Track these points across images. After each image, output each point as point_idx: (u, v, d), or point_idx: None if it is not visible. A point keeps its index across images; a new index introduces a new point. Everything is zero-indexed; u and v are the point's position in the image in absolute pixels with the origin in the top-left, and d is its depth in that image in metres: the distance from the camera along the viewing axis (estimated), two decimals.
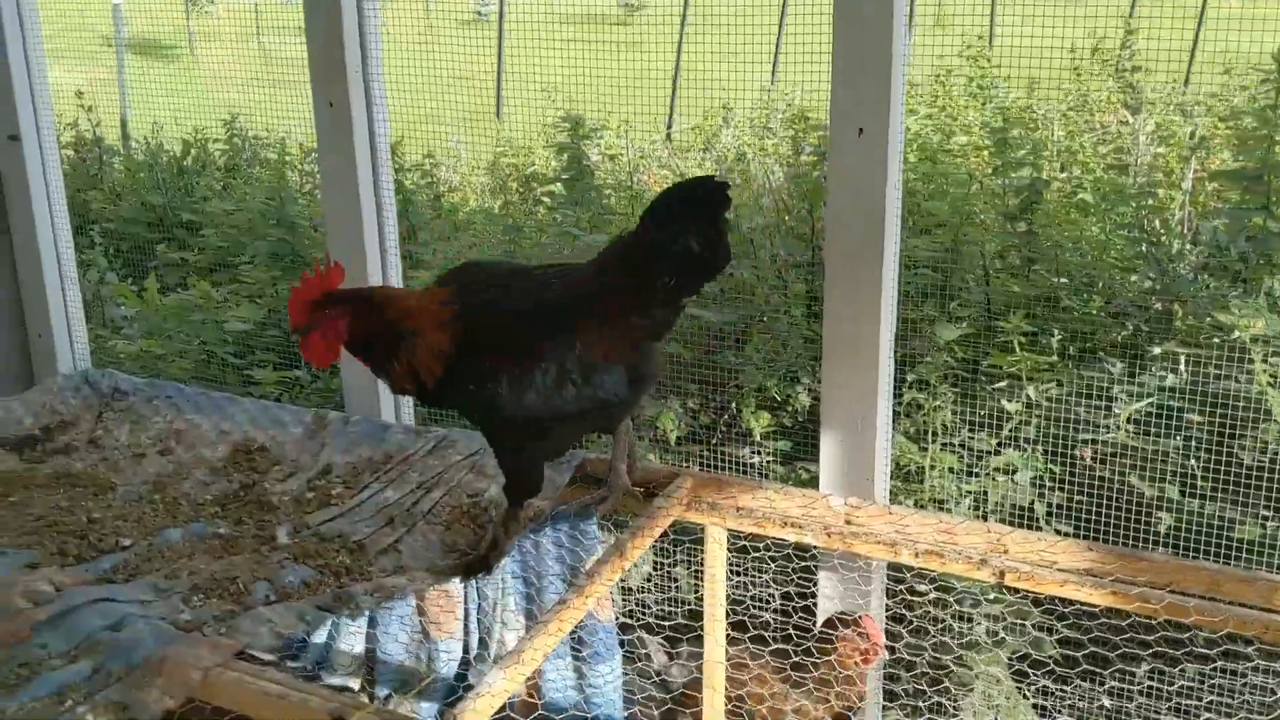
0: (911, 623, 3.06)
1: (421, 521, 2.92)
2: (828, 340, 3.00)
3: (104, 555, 2.78)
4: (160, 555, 2.77)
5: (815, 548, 2.83)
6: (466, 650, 3.39)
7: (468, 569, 2.73)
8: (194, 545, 2.83)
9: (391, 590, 2.64)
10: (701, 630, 3.06)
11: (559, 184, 7.94)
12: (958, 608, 3.27)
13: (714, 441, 4.15)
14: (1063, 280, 4.21)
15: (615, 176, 8.31)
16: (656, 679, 3.28)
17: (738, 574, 3.31)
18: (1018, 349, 3.49)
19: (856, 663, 3.02)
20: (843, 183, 2.88)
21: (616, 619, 3.25)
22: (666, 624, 3.39)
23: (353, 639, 3.07)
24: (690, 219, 2.42)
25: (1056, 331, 3.64)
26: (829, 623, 3.09)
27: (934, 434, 3.48)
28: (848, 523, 2.72)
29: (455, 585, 2.79)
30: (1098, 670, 3.08)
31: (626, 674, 3.35)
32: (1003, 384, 3.55)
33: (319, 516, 2.98)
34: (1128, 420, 3.41)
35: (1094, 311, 3.99)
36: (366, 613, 2.60)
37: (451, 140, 9.63)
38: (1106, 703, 3.21)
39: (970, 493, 3.43)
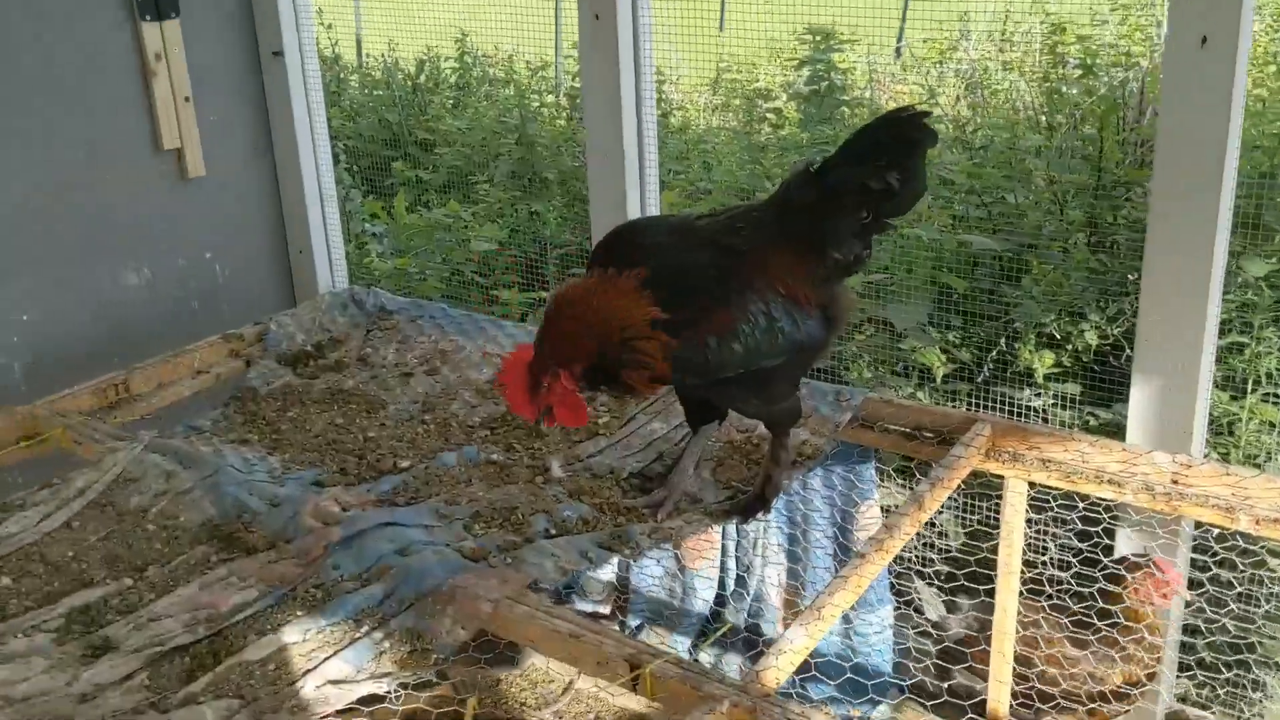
0: (1213, 592, 2.77)
1: None
2: (1148, 273, 2.70)
3: (384, 476, 2.78)
4: (438, 479, 2.75)
5: (1125, 506, 2.56)
6: (722, 586, 3.30)
7: (746, 509, 2.60)
8: (469, 471, 2.80)
9: (669, 532, 2.54)
10: (981, 585, 2.85)
11: (790, 99, 7.64)
12: (1270, 576, 2.95)
13: (981, 380, 3.88)
14: None
15: (849, 93, 7.94)
16: (931, 632, 3.10)
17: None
18: None
19: (1151, 604, 2.78)
20: (1180, 98, 2.56)
21: (890, 567, 3.08)
22: (942, 574, 3.20)
23: (605, 565, 3.01)
24: (882, 152, 2.28)
25: None
26: (1120, 561, 2.85)
27: (1254, 383, 3.12)
28: (1174, 482, 2.44)
29: (733, 527, 2.66)
30: None
31: (898, 625, 3.19)
32: None
33: (588, 448, 2.90)
34: None
35: None
36: (645, 554, 2.51)
37: (674, 55, 9.41)
38: None
39: None
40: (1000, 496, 2.71)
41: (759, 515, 2.61)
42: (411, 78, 8.72)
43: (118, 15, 3.96)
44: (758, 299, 2.34)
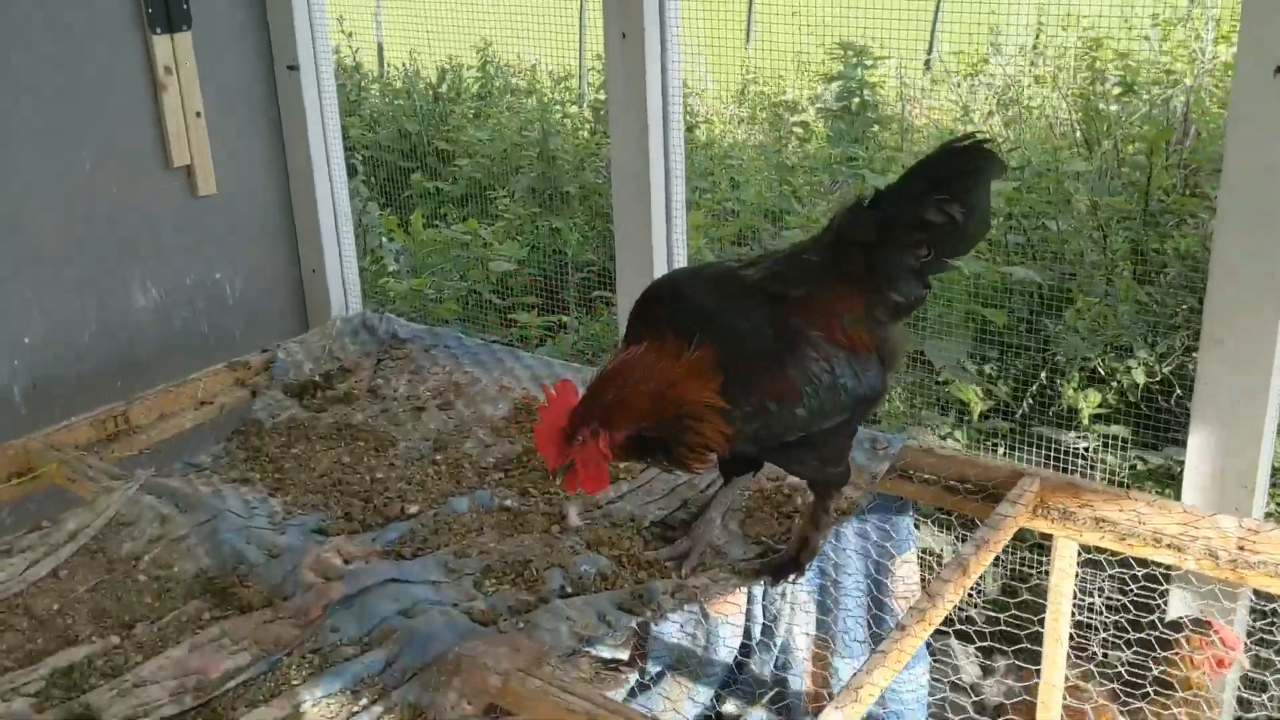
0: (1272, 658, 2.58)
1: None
2: (1210, 313, 2.52)
3: (390, 523, 2.62)
4: (448, 527, 2.59)
5: (1188, 572, 2.38)
6: (748, 635, 3.12)
7: (778, 570, 2.43)
8: (481, 518, 2.64)
9: (694, 591, 2.37)
10: (1015, 645, 2.67)
11: (819, 114, 7.46)
12: None
13: (1019, 416, 3.70)
14: None
15: (879, 109, 7.77)
16: (969, 693, 2.91)
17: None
18: None
19: (1205, 672, 2.59)
20: (1250, 129, 2.39)
21: None
22: (984, 633, 3.01)
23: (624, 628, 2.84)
24: (943, 184, 2.14)
25: None
26: (1173, 625, 2.66)
27: None
28: (1240, 549, 2.26)
29: (744, 601, 2.49)
30: None
31: (934, 683, 3.01)
32: None
33: (608, 493, 2.73)
34: None
35: None
36: (668, 616, 2.34)
37: (699, 66, 9.25)
38: None
39: None
40: (1041, 549, 2.53)
41: (791, 578, 2.44)
42: (433, 86, 8.59)
43: (127, 26, 3.83)
44: (818, 356, 2.17)
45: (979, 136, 2.16)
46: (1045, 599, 2.55)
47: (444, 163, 7.52)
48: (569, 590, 2.35)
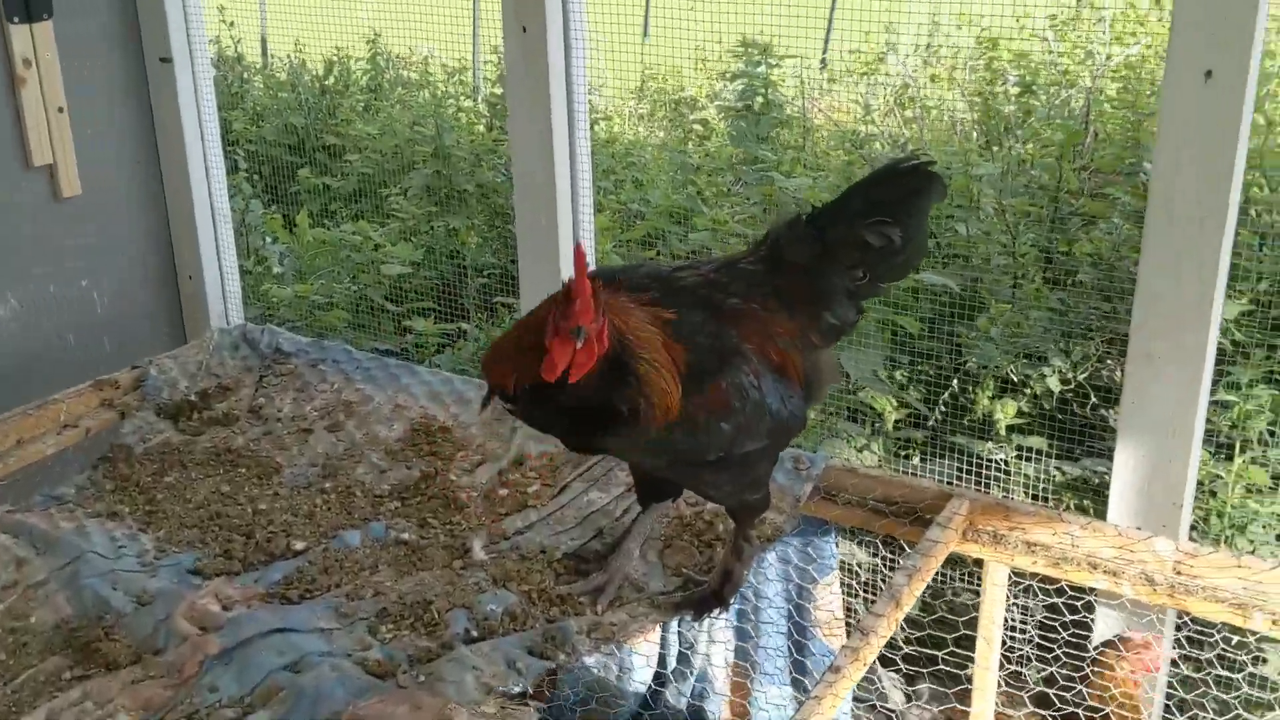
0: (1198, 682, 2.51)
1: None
2: (1139, 322, 2.45)
3: (275, 561, 2.41)
4: (339, 565, 2.38)
5: (1124, 599, 2.29)
6: (663, 664, 2.97)
7: (700, 605, 2.28)
8: (376, 553, 2.43)
9: (611, 630, 2.20)
10: (946, 666, 2.57)
11: (719, 111, 7.32)
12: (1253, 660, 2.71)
13: (932, 424, 3.61)
14: None
15: (781, 109, 7.68)
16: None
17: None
18: None
19: (1135, 678, 2.52)
20: (1180, 135, 2.31)
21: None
22: (906, 655, 2.91)
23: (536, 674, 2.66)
24: (884, 206, 2.06)
25: None
26: (1107, 644, 2.59)
27: (1244, 444, 2.88)
28: (1178, 573, 2.18)
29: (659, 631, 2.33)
30: None
31: (856, 712, 2.89)
32: None
33: (515, 522, 2.55)
34: None
35: None
36: (584, 658, 2.16)
37: (599, 62, 9.05)
38: None
39: (1275, 515, 2.84)
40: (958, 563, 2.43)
41: (714, 613, 2.29)
42: (319, 79, 8.24)
43: None
44: (749, 370, 2.04)
45: (922, 158, 2.07)
46: (963, 617, 2.46)
47: (334, 158, 7.20)
48: (474, 634, 2.16)
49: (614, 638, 2.18)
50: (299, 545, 2.45)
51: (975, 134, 6.38)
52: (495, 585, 2.31)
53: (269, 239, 5.42)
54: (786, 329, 2.10)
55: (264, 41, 9.83)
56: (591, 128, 7.52)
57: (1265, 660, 2.80)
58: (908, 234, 2.07)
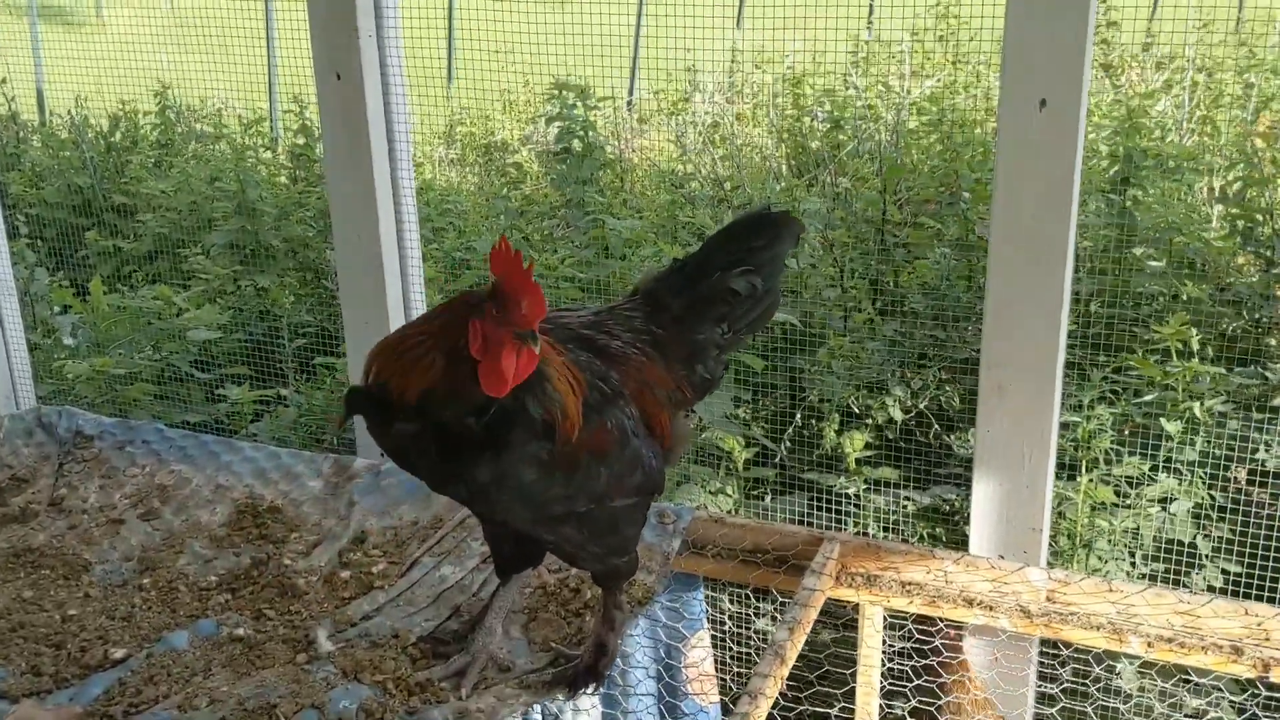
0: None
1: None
2: (989, 352, 2.44)
3: (92, 674, 2.13)
4: (166, 672, 2.13)
5: (1001, 631, 2.27)
6: None
7: (573, 682, 2.13)
8: (208, 654, 2.19)
9: (479, 717, 2.03)
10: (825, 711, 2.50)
11: (532, 154, 7.22)
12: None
13: (779, 459, 3.58)
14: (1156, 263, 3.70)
15: (600, 150, 7.67)
16: None
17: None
18: (1174, 356, 2.96)
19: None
20: (1018, 164, 2.32)
21: (724, 702, 2.67)
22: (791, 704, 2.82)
23: None
24: (752, 255, 2.09)
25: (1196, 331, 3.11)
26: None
27: (1089, 464, 2.93)
28: (1050, 600, 2.16)
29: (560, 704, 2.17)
30: None
31: None
32: (1149, 397, 3.02)
33: (362, 607, 2.35)
34: None
35: (1203, 299, 3.49)
36: None
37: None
38: None
39: (1123, 531, 2.90)
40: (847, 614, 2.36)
41: (589, 689, 2.15)
42: (105, 135, 7.74)
43: None
44: (631, 416, 1.97)
45: (775, 207, 2.08)
46: (831, 660, 2.39)
47: (124, 218, 6.75)
48: None
49: None
50: (118, 653, 2.18)
51: (785, 169, 6.50)
52: (346, 678, 2.11)
53: (57, 309, 4.98)
54: (663, 380, 2.05)
55: (40, 97, 9.20)
56: None
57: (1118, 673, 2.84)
58: (768, 282, 2.09)
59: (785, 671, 2.03)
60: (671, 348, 2.09)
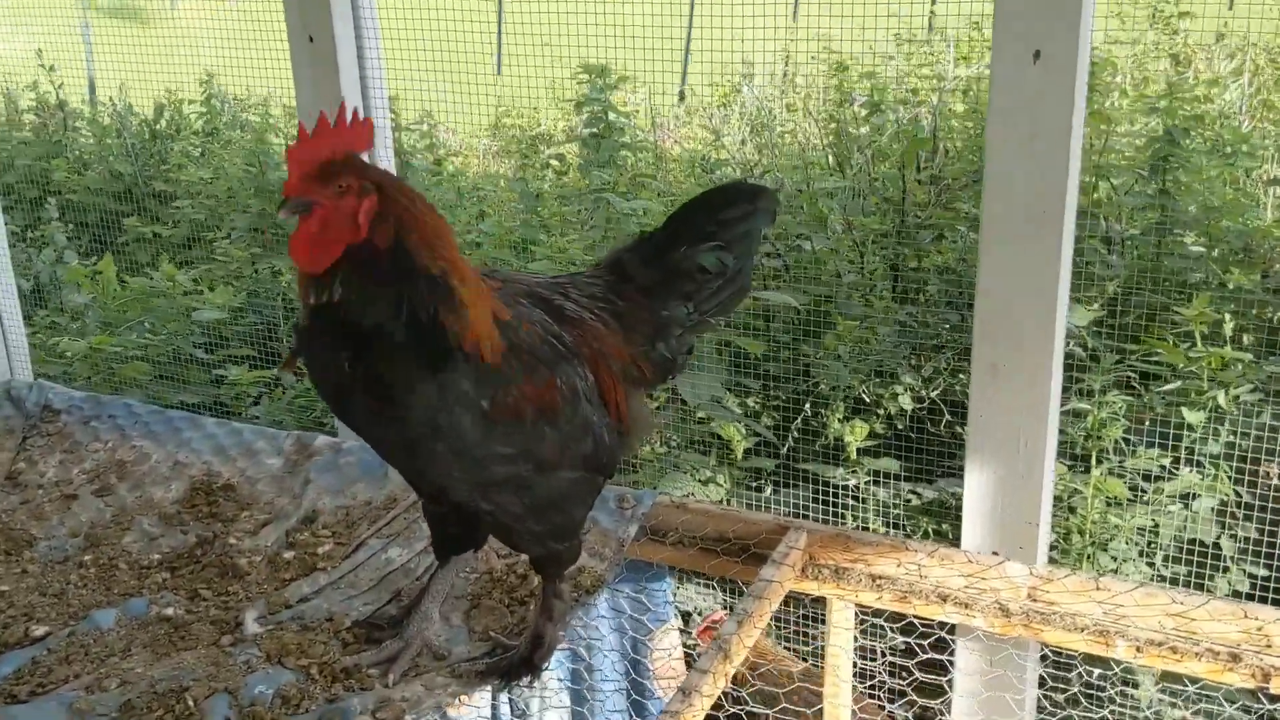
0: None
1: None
2: (981, 331, 2.24)
3: (6, 651, 2.04)
4: (84, 651, 2.02)
5: (978, 632, 2.07)
6: None
7: (507, 673, 1.99)
8: (131, 634, 2.08)
9: (401, 708, 1.89)
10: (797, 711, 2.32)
11: (575, 142, 7.10)
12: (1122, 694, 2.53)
13: (785, 452, 3.39)
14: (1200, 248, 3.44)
15: (625, 132, 7.53)
16: None
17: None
18: (1199, 340, 2.72)
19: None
20: (1010, 123, 2.12)
21: None
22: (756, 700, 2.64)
23: None
24: (724, 229, 1.97)
25: (1228, 316, 2.87)
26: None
27: (1099, 455, 2.71)
28: (1032, 599, 1.97)
29: (488, 696, 2.03)
30: None
31: None
32: (1171, 386, 2.78)
33: (301, 588, 2.22)
34: None
35: (1249, 286, 3.23)
36: None
37: (441, 95, 8.81)
38: None
39: (1139, 529, 2.68)
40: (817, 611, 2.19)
41: (524, 681, 2.00)
42: (149, 123, 7.78)
43: None
44: (584, 377, 1.85)
45: (751, 181, 1.92)
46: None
47: (164, 204, 6.76)
48: None
49: (403, 715, 1.87)
50: (39, 631, 2.09)
51: (830, 157, 6.29)
52: (269, 662, 1.99)
53: (65, 290, 4.97)
54: (619, 352, 1.93)
55: (91, 87, 9.29)
56: (439, 164, 7.22)
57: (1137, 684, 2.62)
58: (740, 261, 1.97)
59: (730, 669, 1.86)
60: (632, 321, 1.96)
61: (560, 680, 2.62)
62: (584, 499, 1.96)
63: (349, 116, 1.69)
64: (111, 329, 4.38)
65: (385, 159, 2.95)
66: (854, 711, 2.30)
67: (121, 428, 2.79)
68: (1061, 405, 2.42)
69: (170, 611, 2.14)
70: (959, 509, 2.81)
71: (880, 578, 2.05)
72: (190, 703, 1.86)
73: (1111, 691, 2.23)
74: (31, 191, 7.00)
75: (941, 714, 2.28)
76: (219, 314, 4.19)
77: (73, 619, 2.13)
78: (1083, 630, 1.90)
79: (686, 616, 2.95)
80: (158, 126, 7.77)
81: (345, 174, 1.64)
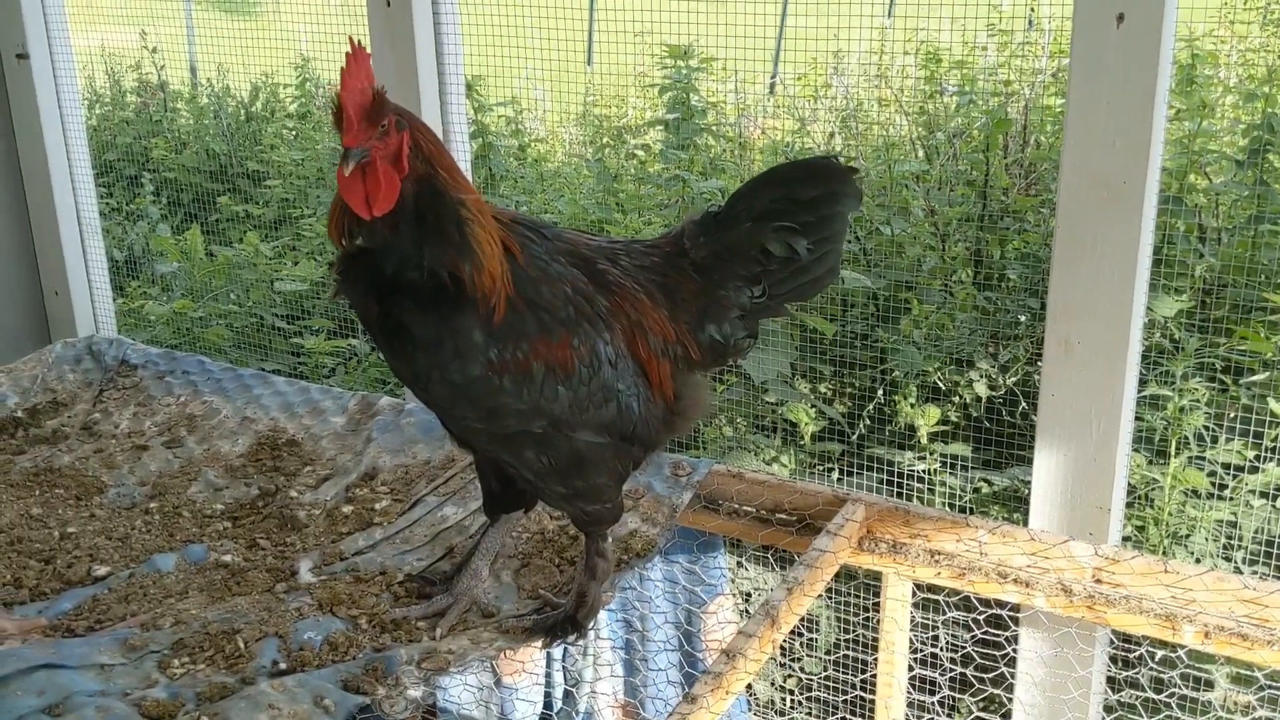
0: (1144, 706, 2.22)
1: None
2: (1055, 305, 2.17)
3: (68, 589, 2.08)
4: (143, 592, 2.06)
5: (1038, 612, 2.00)
6: (548, 704, 2.66)
7: (552, 630, 1.97)
8: (189, 578, 2.11)
9: (447, 659, 1.88)
10: (852, 693, 2.27)
11: (658, 127, 7.10)
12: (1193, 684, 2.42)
13: (855, 438, 3.33)
14: None
15: (719, 126, 7.46)
16: None
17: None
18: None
19: None
20: (1091, 91, 2.04)
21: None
22: (812, 683, 2.60)
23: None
24: (799, 210, 1.81)
25: None
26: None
27: (1179, 444, 2.61)
28: (1097, 581, 1.89)
29: (536, 652, 2.02)
30: None
31: None
32: (1259, 377, 2.66)
33: (357, 541, 2.24)
34: None
35: None
36: (410, 694, 1.84)
37: (536, 90, 8.86)
38: None
39: (1218, 523, 2.57)
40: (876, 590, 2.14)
41: (569, 639, 1.98)
42: (245, 105, 7.96)
43: None
44: (610, 342, 1.79)
45: (839, 158, 1.82)
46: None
47: (257, 184, 6.91)
48: (282, 666, 1.85)
49: (448, 667, 1.86)
50: (101, 570, 2.13)
51: (921, 150, 6.18)
52: (320, 610, 2.00)
53: (155, 260, 5.09)
54: (662, 329, 1.85)
55: (193, 70, 9.54)
56: (523, 150, 7.24)
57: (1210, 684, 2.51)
58: (818, 247, 1.82)
59: (778, 636, 1.82)
60: (679, 296, 1.88)
61: (615, 651, 2.61)
62: (609, 465, 1.88)
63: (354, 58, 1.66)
64: (196, 296, 4.48)
65: (458, 133, 2.96)
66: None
67: (194, 383, 2.84)
68: (1140, 391, 2.33)
69: (228, 559, 2.17)
70: (1030, 497, 2.73)
71: (939, 554, 1.99)
72: (241, 644, 1.88)
73: (1178, 679, 2.14)
74: (130, 169, 7.21)
75: (1002, 699, 2.22)
76: (301, 285, 4.26)
77: (134, 561, 2.17)
78: (1147, 614, 1.82)
79: (747, 596, 2.91)
80: (253, 108, 7.95)
81: (384, 112, 1.64)
